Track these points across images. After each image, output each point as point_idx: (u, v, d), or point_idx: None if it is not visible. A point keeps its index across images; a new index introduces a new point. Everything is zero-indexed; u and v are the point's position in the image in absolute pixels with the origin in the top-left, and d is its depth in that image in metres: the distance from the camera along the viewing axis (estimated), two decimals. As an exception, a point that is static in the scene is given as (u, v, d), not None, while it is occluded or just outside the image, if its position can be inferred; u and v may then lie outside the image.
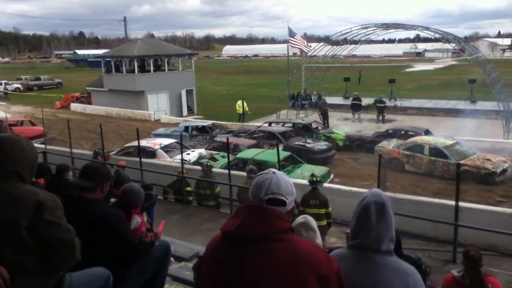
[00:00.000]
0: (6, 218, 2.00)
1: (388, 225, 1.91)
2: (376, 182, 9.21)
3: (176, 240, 7.53)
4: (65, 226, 2.16)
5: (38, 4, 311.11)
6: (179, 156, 15.15)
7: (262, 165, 13.12)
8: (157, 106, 30.92)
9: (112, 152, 15.39)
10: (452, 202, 7.89)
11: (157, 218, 9.50)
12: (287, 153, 14.76)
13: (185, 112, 32.01)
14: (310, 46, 30.12)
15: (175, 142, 16.51)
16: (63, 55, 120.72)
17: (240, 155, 14.88)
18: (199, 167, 12.04)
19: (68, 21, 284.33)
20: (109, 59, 34.16)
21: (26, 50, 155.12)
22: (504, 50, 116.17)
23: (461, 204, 7.98)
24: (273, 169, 1.90)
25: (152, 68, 32.37)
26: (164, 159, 15.03)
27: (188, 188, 11.32)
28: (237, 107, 26.55)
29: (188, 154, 15.73)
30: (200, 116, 30.20)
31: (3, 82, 50.33)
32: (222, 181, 11.02)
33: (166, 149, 16.08)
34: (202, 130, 20.67)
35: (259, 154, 14.39)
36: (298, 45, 30.02)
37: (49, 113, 29.99)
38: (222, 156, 15.18)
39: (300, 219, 2.94)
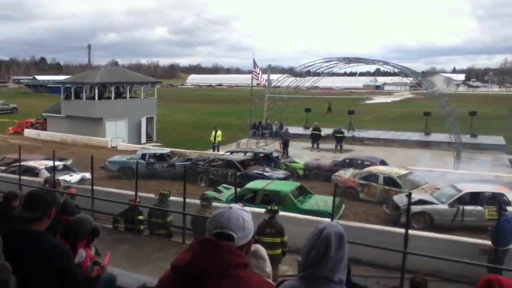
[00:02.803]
0: None
1: (344, 256, 1.92)
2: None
3: (124, 271, 7.26)
4: (1, 263, 2.09)
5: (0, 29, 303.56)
6: (61, 177, 15.94)
7: (274, 196, 12.81)
8: (115, 133, 30.50)
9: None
10: (402, 230, 8.01)
11: (106, 248, 9.17)
12: (296, 184, 14.24)
13: (143, 139, 31.74)
14: (264, 79, 30.87)
15: (63, 164, 18.05)
16: (21, 80, 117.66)
17: (250, 185, 14.07)
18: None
19: (31, 46, 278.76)
20: (69, 85, 33.60)
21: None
22: (458, 85, 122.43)
23: (410, 232, 8.13)
24: (232, 204, 1.93)
25: (113, 95, 32.13)
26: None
27: (141, 217, 11.00)
28: (211, 137, 26.34)
29: (71, 175, 16.51)
30: (159, 144, 29.90)
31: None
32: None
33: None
34: (160, 157, 20.32)
35: (270, 184, 13.84)
36: (256, 76, 30.72)
37: (0, 138, 28.95)
38: (225, 188, 14.92)
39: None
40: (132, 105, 32.42)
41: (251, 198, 12.84)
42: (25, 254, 2.41)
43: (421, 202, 13.19)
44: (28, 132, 34.08)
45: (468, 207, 12.69)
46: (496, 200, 12.45)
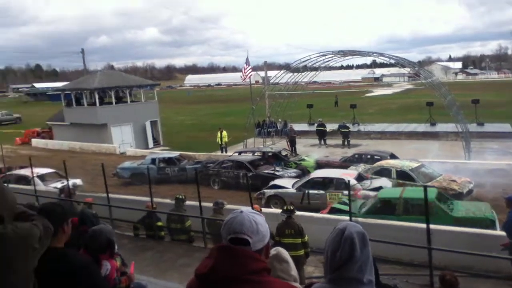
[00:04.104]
0: None
1: (369, 255, 1.90)
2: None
3: (152, 278, 7.31)
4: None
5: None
6: (53, 184, 17.02)
7: (417, 205, 10.64)
8: (122, 138, 30.42)
9: None
10: (422, 225, 8.01)
11: (129, 256, 9.27)
12: (434, 189, 11.96)
13: (151, 144, 31.62)
14: (247, 74, 30.95)
15: (54, 171, 18.64)
16: (20, 89, 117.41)
17: (382, 195, 12.09)
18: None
19: (23, 53, 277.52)
20: (69, 92, 33.53)
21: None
22: (456, 73, 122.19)
23: (432, 226, 8.11)
24: (243, 208, 1.89)
25: (114, 100, 32.10)
26: (39, 187, 16.10)
27: (160, 223, 11.07)
28: (217, 138, 26.40)
29: (63, 183, 16.37)
30: (167, 148, 29.95)
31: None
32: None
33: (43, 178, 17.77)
34: (170, 161, 20.37)
35: (405, 192, 11.82)
36: (245, 73, 30.79)
37: (9, 149, 28.94)
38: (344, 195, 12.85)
39: (272, 251, 2.81)
40: (134, 109, 32.26)
41: (387, 209, 11.28)
42: (49, 274, 2.35)
43: (274, 186, 15.30)
44: (36, 142, 34.17)
45: (312, 191, 14.41)
46: (340, 184, 14.16)
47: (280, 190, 15.08)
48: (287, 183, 15.59)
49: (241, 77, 32.24)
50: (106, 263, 3.78)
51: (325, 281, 1.96)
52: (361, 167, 17.09)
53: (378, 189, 13.42)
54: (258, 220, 1.82)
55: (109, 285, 3.34)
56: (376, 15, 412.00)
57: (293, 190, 14.77)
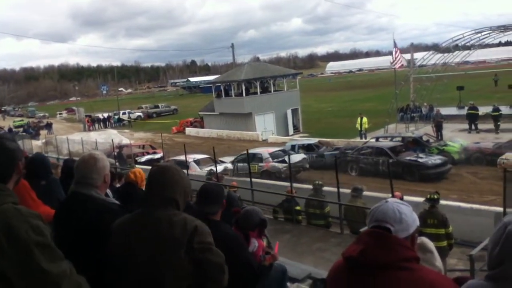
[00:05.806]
0: (168, 243, 2.14)
1: None
2: (501, 198, 8.55)
3: (288, 260, 7.64)
4: (216, 250, 2.27)
5: (154, 37, 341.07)
6: (207, 168, 18.59)
7: None
8: (264, 126, 31.82)
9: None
10: None
11: (269, 238, 9.76)
12: None
13: (291, 131, 32.52)
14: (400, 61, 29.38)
15: (208, 157, 20.89)
16: (177, 83, 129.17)
17: None
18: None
19: (181, 51, 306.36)
20: (219, 84, 36.21)
21: (146, 80, 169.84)
22: None
23: None
24: (390, 198, 1.88)
25: (259, 90, 33.62)
26: (194, 170, 18.58)
27: (298, 207, 11.45)
28: (357, 124, 26.25)
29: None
30: (306, 134, 30.45)
31: (126, 111, 55.77)
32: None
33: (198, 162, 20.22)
34: (309, 148, 20.77)
35: None
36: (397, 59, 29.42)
37: (167, 137, 32.40)
38: None
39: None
40: (277, 99, 33.46)
41: None
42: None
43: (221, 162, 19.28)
44: (189, 131, 37.67)
45: (240, 164, 18.51)
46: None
47: (223, 165, 18.92)
48: (227, 160, 20.00)
49: (391, 62, 31.17)
50: (254, 240, 3.99)
51: (484, 278, 1.77)
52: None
53: (282, 161, 17.46)
54: (403, 209, 1.79)
55: (254, 260, 3.56)
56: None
57: (230, 165, 18.66)
